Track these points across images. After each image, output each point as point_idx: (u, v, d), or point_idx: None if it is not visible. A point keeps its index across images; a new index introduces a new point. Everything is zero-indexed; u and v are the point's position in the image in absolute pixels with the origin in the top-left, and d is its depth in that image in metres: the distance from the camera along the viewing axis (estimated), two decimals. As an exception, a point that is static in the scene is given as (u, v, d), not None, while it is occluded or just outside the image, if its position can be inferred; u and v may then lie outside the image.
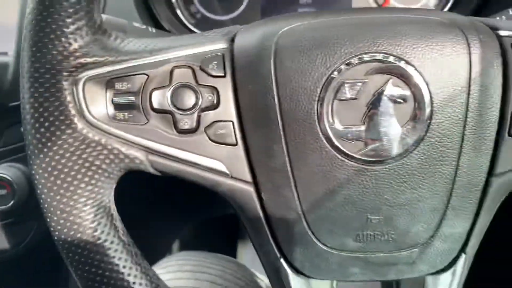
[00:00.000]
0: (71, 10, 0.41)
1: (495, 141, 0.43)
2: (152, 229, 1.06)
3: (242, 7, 0.87)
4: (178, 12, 0.85)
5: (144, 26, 0.61)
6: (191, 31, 0.85)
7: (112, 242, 0.46)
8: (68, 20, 0.41)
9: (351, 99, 0.42)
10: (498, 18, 0.60)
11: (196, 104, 0.44)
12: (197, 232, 1.33)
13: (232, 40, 0.46)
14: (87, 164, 0.44)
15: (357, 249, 0.46)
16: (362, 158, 0.43)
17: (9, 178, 0.68)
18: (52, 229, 0.45)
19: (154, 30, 0.62)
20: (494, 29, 0.45)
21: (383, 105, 0.42)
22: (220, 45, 0.45)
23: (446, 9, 0.84)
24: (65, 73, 0.42)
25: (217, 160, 0.44)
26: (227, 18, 0.88)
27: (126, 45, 0.45)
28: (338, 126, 0.42)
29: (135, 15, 0.74)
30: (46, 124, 0.42)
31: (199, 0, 0.87)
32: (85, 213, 0.44)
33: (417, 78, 0.41)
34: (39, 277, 0.80)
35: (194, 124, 0.44)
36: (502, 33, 0.44)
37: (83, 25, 0.42)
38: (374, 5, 0.86)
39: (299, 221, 0.45)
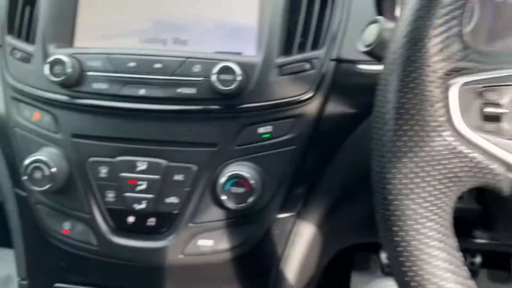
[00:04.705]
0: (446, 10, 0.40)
1: None
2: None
3: None
4: None
5: None
6: None
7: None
8: (443, 26, 0.40)
9: None
10: None
11: None
12: None
13: None
14: (448, 174, 0.42)
15: None
16: None
17: (247, 175, 0.69)
18: (394, 227, 0.43)
19: None
20: None
21: None
22: None
23: None
24: (439, 78, 0.41)
25: None
26: None
27: (497, 53, 0.43)
28: None
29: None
30: (416, 128, 0.41)
31: None
32: (427, 219, 0.42)
33: None
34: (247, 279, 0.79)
35: None
36: None
37: (458, 30, 0.41)
38: None
39: None
